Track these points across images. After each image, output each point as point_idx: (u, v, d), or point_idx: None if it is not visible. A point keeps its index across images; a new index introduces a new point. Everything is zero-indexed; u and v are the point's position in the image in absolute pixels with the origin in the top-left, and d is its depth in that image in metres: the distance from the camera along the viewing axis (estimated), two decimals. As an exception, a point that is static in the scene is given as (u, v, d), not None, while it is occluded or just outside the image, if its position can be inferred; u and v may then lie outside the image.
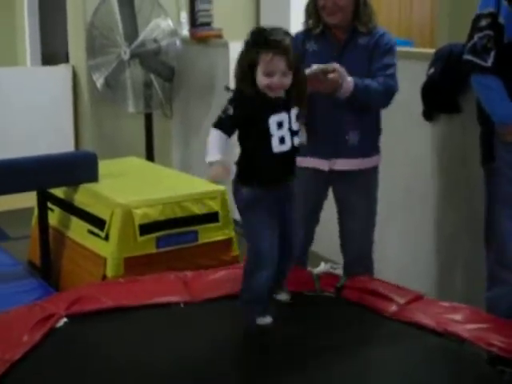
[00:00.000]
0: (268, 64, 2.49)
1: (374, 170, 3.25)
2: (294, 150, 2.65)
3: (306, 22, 3.20)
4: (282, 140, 2.58)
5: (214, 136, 2.50)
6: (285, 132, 2.59)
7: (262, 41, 2.51)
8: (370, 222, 3.29)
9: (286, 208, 2.71)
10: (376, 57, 3.09)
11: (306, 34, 3.20)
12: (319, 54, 3.14)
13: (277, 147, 2.58)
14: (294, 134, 2.62)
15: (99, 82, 5.76)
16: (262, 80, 2.51)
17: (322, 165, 3.16)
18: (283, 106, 2.60)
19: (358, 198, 3.23)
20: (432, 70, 3.59)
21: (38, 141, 6.01)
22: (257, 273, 2.62)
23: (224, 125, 2.51)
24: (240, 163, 2.66)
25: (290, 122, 2.60)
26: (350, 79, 2.96)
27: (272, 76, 2.50)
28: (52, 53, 7.84)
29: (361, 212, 3.25)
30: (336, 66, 2.92)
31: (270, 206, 2.63)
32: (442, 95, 3.60)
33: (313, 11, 3.15)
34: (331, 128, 3.10)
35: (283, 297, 2.93)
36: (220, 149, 2.49)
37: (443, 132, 3.77)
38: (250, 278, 2.66)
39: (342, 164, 3.14)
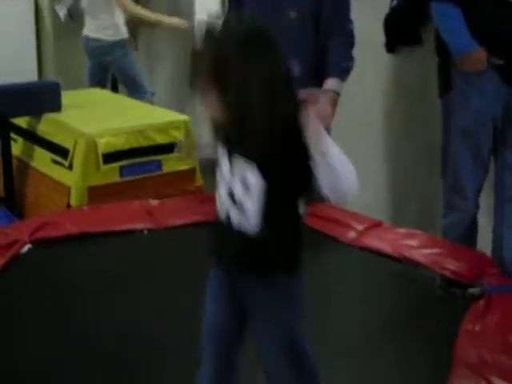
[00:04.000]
0: None
1: None
2: (231, 231, 1.66)
3: None
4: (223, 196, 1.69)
5: None
6: (223, 188, 1.68)
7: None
8: None
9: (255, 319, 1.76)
10: None
11: None
12: None
13: (220, 205, 1.70)
14: (234, 201, 1.66)
15: (62, 12, 5.69)
16: None
17: None
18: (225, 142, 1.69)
19: None
20: (395, 2, 3.60)
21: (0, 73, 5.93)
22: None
23: None
24: None
25: (230, 175, 1.66)
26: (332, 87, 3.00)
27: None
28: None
29: None
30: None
31: (229, 291, 1.76)
32: (404, 27, 3.61)
33: None
34: None
35: None
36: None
37: (404, 65, 3.80)
38: None
39: None
